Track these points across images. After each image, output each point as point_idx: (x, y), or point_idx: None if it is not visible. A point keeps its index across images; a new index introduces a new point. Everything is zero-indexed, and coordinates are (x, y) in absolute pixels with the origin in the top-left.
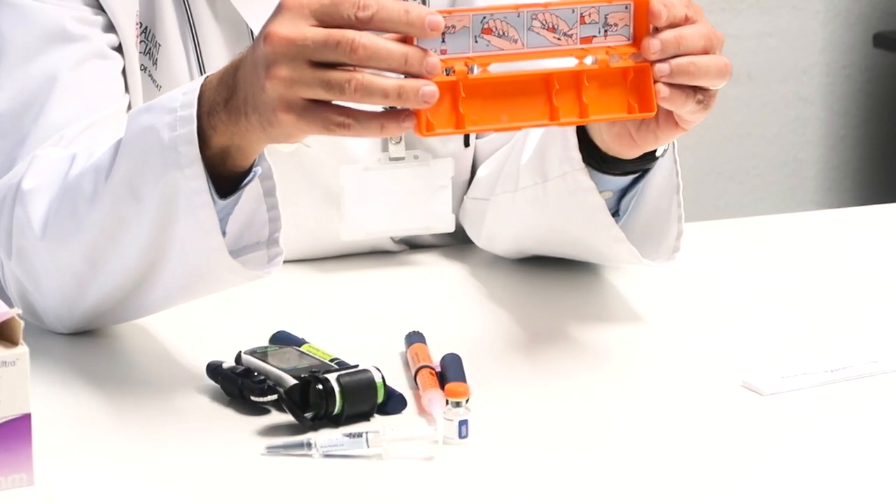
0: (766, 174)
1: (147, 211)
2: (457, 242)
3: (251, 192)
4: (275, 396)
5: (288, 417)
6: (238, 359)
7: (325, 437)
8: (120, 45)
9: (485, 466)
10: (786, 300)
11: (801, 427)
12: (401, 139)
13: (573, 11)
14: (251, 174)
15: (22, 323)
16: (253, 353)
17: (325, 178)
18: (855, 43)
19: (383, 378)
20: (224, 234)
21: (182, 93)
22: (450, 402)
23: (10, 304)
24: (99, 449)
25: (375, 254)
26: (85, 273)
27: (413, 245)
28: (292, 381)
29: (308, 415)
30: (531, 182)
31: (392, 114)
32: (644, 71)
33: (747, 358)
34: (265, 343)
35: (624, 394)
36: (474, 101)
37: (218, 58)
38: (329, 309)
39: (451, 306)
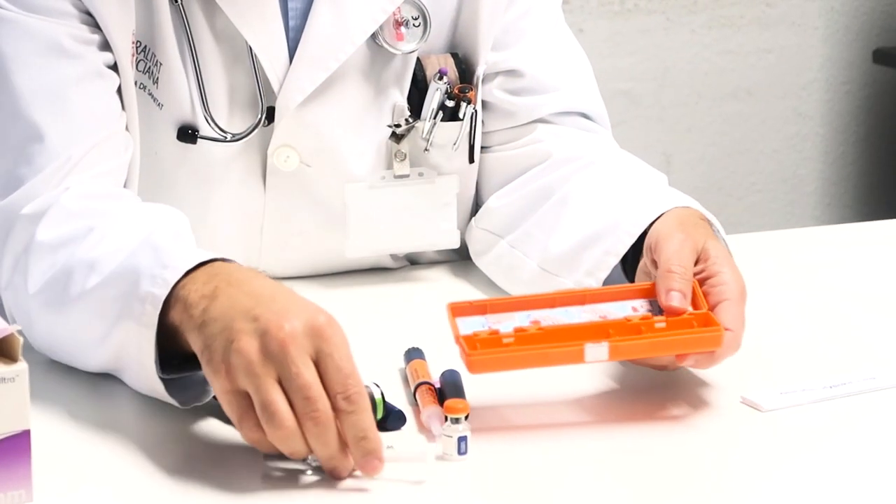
0: (765, 190)
1: (108, 336)
2: (458, 258)
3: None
4: None
5: None
6: None
7: None
8: (115, 63)
9: (484, 483)
10: (785, 316)
11: (801, 443)
12: (405, 156)
13: (623, 305)
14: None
15: (21, 339)
16: None
17: (327, 196)
18: (854, 59)
19: (382, 394)
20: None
21: (183, 257)
22: (449, 418)
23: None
24: (98, 466)
25: (376, 270)
26: (58, 348)
27: (414, 261)
28: None
29: None
30: (562, 275)
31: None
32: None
33: (746, 374)
34: None
35: (623, 409)
36: (520, 344)
37: (217, 76)
38: None
39: None
